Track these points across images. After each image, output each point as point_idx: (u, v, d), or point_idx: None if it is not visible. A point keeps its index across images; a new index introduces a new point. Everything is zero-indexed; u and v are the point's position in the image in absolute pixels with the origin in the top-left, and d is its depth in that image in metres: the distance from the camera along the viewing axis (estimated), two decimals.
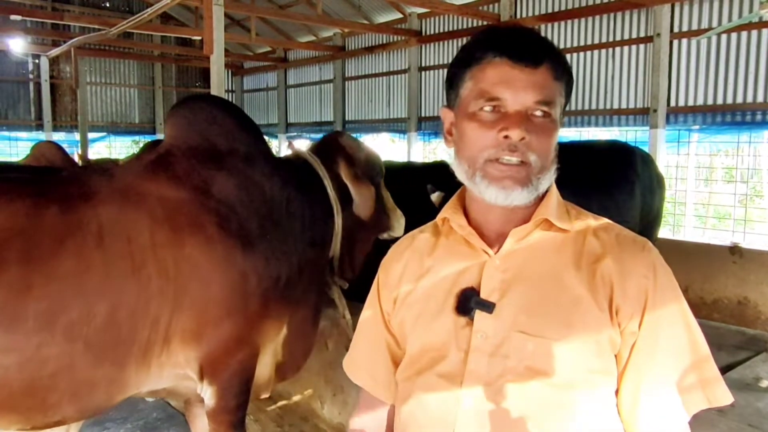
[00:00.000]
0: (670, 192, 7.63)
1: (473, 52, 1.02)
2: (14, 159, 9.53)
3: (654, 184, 4.87)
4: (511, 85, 0.98)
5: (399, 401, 1.12)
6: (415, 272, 1.13)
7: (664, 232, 6.39)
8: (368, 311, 1.21)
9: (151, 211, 2.07)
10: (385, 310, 1.17)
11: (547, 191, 1.06)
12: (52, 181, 2.07)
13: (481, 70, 1.01)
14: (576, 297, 0.99)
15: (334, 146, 2.70)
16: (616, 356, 1.00)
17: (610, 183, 4.44)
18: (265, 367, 2.38)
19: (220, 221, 2.15)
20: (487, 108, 0.99)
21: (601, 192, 4.33)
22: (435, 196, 3.57)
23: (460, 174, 1.05)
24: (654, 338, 0.98)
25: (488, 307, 1.01)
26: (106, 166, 3.24)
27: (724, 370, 3.58)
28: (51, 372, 1.86)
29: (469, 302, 1.02)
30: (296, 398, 3.93)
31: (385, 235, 2.90)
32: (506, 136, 0.97)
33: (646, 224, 4.78)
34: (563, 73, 1.03)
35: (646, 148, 6.82)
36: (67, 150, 4.74)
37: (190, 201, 2.14)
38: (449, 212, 1.11)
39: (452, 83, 1.07)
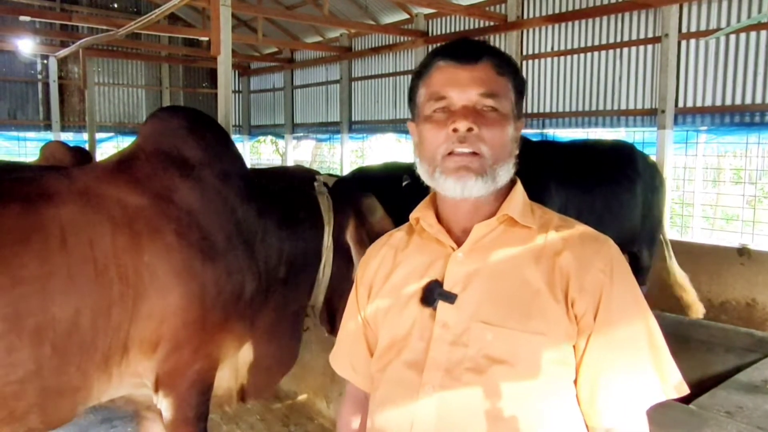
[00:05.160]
0: (678, 193, 7.59)
1: (423, 64, 1.13)
2: (22, 159, 9.60)
3: (656, 182, 4.88)
4: (454, 82, 1.06)
5: (372, 391, 1.18)
6: (388, 268, 1.19)
7: (671, 234, 6.36)
8: (349, 307, 1.28)
9: (112, 214, 2.02)
10: (361, 305, 1.23)
11: (512, 189, 1.12)
12: (12, 181, 2.01)
13: (430, 76, 1.10)
14: (534, 289, 1.04)
15: (353, 202, 2.69)
16: (574, 347, 1.03)
17: (613, 181, 4.45)
18: (223, 380, 2.34)
19: (180, 229, 2.10)
20: (438, 108, 1.07)
21: (604, 189, 4.34)
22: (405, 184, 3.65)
23: (424, 176, 1.11)
24: (610, 331, 1.02)
25: (450, 298, 1.07)
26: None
27: (732, 372, 3.55)
28: (19, 378, 1.80)
29: (433, 294, 1.08)
30: (302, 397, 3.94)
31: None
32: (455, 129, 1.03)
33: (649, 223, 4.77)
34: (507, 69, 1.08)
35: (653, 149, 6.80)
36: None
37: (150, 206, 2.09)
38: (421, 212, 1.17)
39: (411, 97, 1.16)
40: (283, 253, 2.44)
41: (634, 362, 1.02)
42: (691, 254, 5.75)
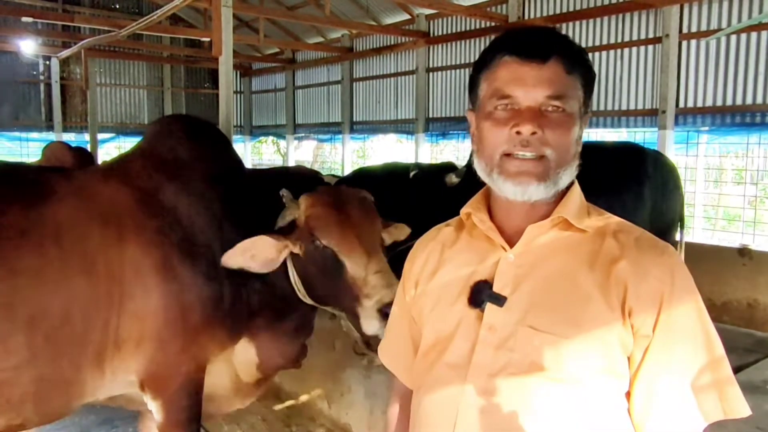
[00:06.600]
0: None
1: (487, 54, 1.06)
2: (25, 159, 9.61)
3: (669, 187, 4.82)
4: (520, 82, 1.00)
5: (416, 389, 1.15)
6: (434, 264, 1.15)
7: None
8: (397, 300, 1.26)
9: (103, 211, 2.07)
10: (408, 300, 1.20)
11: (569, 190, 1.07)
12: (16, 180, 2.08)
13: (494, 70, 1.03)
14: (586, 296, 0.99)
15: None
16: (628, 358, 0.99)
17: (617, 183, 4.43)
18: (221, 379, 2.32)
19: (161, 227, 2.12)
20: (501, 106, 1.01)
21: (608, 191, 4.32)
22: (449, 177, 3.58)
23: (480, 172, 1.07)
24: (669, 343, 0.97)
25: (499, 300, 1.02)
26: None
27: (733, 372, 3.55)
28: (14, 365, 1.86)
29: (481, 295, 1.04)
30: (304, 398, 3.94)
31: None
32: (518, 132, 0.99)
33: (659, 228, 4.75)
34: (577, 67, 1.03)
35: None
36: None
37: (137, 203, 2.13)
38: (473, 207, 1.12)
39: (472, 86, 1.10)
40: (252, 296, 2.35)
41: (692, 378, 0.97)
42: (693, 254, 5.74)
